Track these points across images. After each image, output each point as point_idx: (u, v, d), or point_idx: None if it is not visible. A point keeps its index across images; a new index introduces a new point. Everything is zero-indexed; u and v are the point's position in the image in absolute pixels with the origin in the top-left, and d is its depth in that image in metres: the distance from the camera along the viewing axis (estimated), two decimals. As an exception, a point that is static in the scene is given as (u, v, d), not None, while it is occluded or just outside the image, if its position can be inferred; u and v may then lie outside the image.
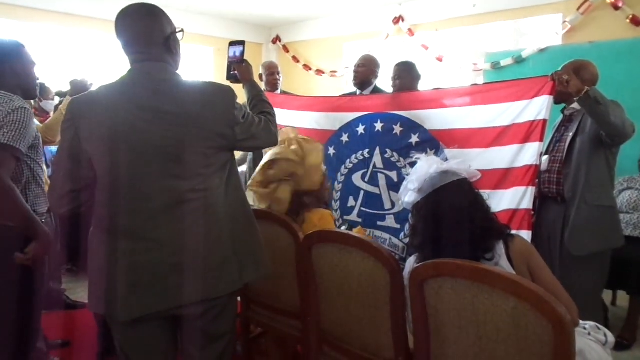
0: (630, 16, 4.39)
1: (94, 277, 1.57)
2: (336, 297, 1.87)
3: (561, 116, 2.69)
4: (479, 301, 1.35)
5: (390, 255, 1.66)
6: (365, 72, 3.58)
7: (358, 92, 3.65)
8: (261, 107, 1.85)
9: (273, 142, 1.80)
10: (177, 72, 1.62)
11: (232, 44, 2.10)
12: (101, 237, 1.54)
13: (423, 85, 3.58)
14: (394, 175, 2.78)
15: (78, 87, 2.61)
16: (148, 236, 1.50)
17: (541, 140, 2.30)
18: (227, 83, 1.84)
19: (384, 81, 3.76)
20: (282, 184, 2.17)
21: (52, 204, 1.59)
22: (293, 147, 2.21)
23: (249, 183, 2.25)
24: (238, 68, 2.04)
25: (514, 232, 1.70)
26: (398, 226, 2.77)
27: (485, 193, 1.74)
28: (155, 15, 1.57)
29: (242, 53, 2.06)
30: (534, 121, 2.30)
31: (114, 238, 1.52)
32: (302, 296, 2.05)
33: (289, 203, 2.19)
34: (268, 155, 2.21)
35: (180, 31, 1.64)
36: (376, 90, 3.59)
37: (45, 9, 5.13)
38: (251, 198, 2.21)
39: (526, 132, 2.33)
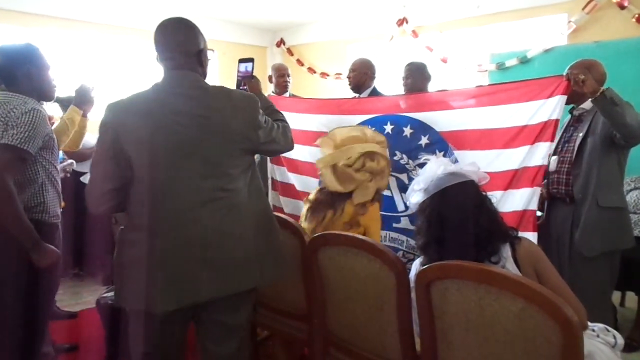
0: (636, 15, 4.36)
1: (125, 274, 1.65)
2: (342, 300, 1.87)
3: (569, 116, 2.68)
4: (486, 303, 1.35)
5: (396, 257, 1.66)
6: (357, 76, 3.64)
7: (358, 96, 3.67)
8: (275, 116, 1.96)
9: (289, 147, 1.94)
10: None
11: (242, 60, 2.22)
12: (134, 235, 1.64)
13: (430, 87, 3.57)
14: (404, 177, 2.77)
15: (82, 95, 2.60)
16: (179, 233, 1.59)
17: (552, 140, 2.29)
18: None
19: (389, 82, 3.76)
20: (375, 177, 2.30)
21: (91, 203, 1.66)
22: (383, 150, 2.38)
23: (341, 164, 2.28)
24: (248, 83, 2.16)
25: (522, 234, 1.69)
26: (414, 228, 2.76)
27: (496, 195, 1.73)
28: (192, 30, 1.72)
29: (252, 69, 2.19)
30: (547, 121, 2.29)
31: (147, 235, 1.60)
32: (308, 298, 2.05)
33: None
34: (369, 146, 2.31)
35: (211, 50, 1.82)
36: (374, 93, 3.62)
37: (45, 14, 5.15)
38: (329, 176, 2.29)
39: (539, 132, 2.31)
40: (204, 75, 1.76)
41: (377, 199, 2.37)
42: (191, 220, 1.60)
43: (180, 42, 1.67)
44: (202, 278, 1.60)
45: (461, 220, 1.59)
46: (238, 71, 2.21)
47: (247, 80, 2.16)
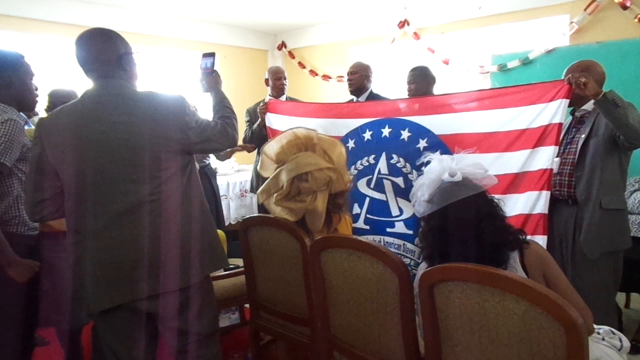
0: (639, 16, 4.35)
1: (72, 276, 1.76)
2: (345, 303, 1.86)
3: (570, 117, 2.66)
4: (490, 305, 1.34)
5: (399, 260, 1.65)
6: (359, 78, 3.66)
7: (355, 99, 3.68)
8: (222, 112, 2.00)
9: (230, 144, 1.95)
10: (134, 85, 1.82)
11: (205, 55, 2.24)
12: (72, 238, 1.73)
13: (435, 89, 3.56)
14: (400, 181, 2.75)
15: None
16: (111, 236, 1.67)
17: (556, 144, 2.27)
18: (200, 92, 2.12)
19: (391, 84, 3.75)
20: (318, 193, 2.10)
21: (27, 213, 1.78)
22: (319, 151, 2.18)
23: (275, 198, 2.13)
24: (206, 78, 2.18)
25: (528, 237, 1.65)
26: (410, 232, 2.72)
27: (498, 199, 1.70)
28: (108, 38, 1.77)
29: (213, 64, 2.21)
30: (548, 125, 2.27)
31: (82, 238, 1.70)
32: (310, 302, 2.04)
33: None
34: (296, 166, 2.09)
35: (136, 52, 1.86)
36: (372, 96, 3.64)
37: (49, 20, 5.16)
38: (276, 211, 2.14)
39: (540, 136, 2.29)
40: (131, 78, 1.81)
41: (342, 203, 2.22)
42: (122, 224, 1.67)
43: (97, 52, 1.73)
44: (134, 278, 1.68)
45: (465, 235, 1.54)
46: (200, 67, 2.23)
47: (207, 75, 2.18)
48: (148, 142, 1.68)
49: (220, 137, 1.87)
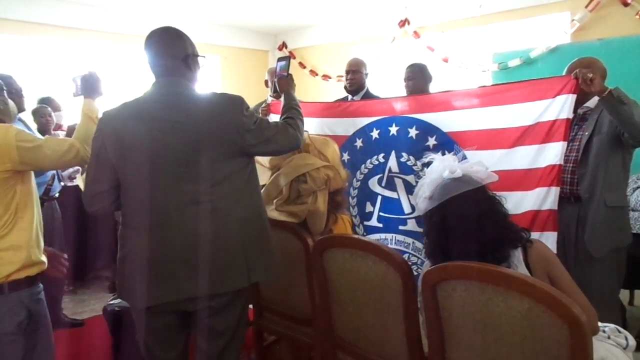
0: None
1: (120, 268, 1.77)
2: (348, 302, 1.86)
3: (572, 114, 2.65)
4: (493, 303, 1.34)
5: (402, 259, 1.65)
6: (361, 77, 3.67)
7: (350, 97, 3.67)
8: (288, 113, 1.98)
9: (293, 145, 1.90)
10: (194, 86, 1.79)
11: (279, 59, 2.29)
12: (126, 232, 1.75)
13: (432, 88, 3.57)
14: (411, 179, 2.74)
15: (90, 82, 2.07)
16: (161, 234, 1.67)
17: (565, 139, 2.25)
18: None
19: (391, 83, 3.75)
20: (318, 193, 2.11)
21: (85, 203, 1.78)
22: (314, 152, 2.19)
23: (276, 204, 2.16)
24: (279, 80, 2.21)
25: (537, 234, 1.63)
26: (421, 229, 2.72)
27: (505, 196, 1.69)
28: (178, 37, 1.78)
29: (284, 67, 2.25)
30: (556, 120, 2.26)
31: (133, 234, 1.72)
32: (313, 302, 2.04)
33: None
34: (293, 168, 2.12)
35: (202, 56, 1.85)
36: (368, 94, 3.64)
37: (50, 23, 5.18)
38: (278, 218, 2.15)
39: (548, 132, 2.28)
40: (194, 79, 1.81)
41: (341, 200, 2.24)
42: (172, 222, 1.66)
43: (166, 49, 1.73)
44: (182, 277, 1.66)
45: (465, 230, 1.54)
46: (276, 71, 2.27)
47: (280, 78, 2.21)
48: (202, 142, 1.67)
49: (281, 137, 1.82)
